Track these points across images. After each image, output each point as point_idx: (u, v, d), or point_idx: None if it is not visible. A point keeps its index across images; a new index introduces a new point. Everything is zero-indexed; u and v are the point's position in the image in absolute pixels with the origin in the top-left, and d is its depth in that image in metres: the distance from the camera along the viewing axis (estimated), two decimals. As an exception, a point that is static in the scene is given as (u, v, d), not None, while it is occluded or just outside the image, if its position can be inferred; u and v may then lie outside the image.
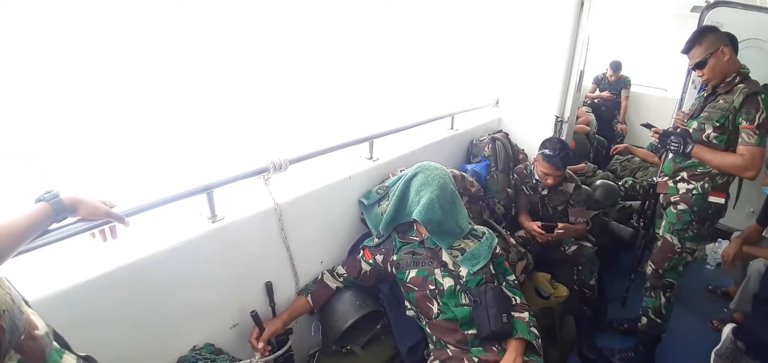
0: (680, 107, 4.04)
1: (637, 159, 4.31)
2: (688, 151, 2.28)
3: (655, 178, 2.70)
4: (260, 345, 1.69)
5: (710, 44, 2.19)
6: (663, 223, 2.50)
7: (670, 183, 2.43)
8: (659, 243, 2.52)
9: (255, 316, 1.70)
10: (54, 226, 1.10)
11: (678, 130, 2.39)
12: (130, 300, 1.37)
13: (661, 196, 2.53)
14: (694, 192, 2.33)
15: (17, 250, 0.98)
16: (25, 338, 0.58)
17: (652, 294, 2.57)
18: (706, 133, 2.25)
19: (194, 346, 1.58)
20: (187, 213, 1.59)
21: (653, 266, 2.54)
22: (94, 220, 1.18)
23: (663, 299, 2.54)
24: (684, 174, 2.38)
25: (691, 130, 2.32)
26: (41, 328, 0.63)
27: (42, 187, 1.10)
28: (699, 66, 2.24)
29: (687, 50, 2.28)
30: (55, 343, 0.70)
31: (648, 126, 2.59)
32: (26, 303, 0.67)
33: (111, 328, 1.33)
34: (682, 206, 2.37)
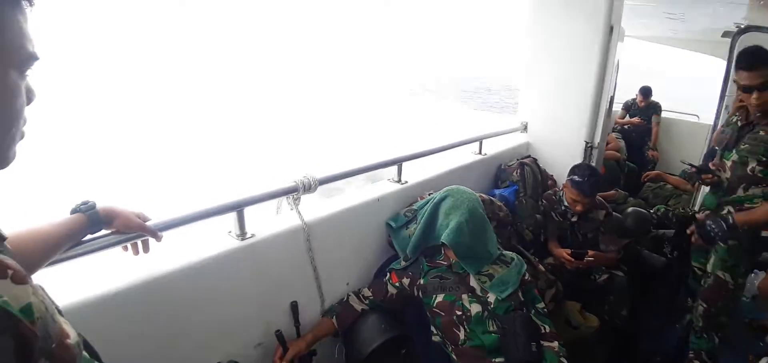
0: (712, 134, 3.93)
1: (669, 186, 4.20)
2: (730, 229, 2.12)
3: (689, 209, 2.60)
4: None
5: None
6: (712, 261, 2.38)
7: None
8: (711, 281, 2.39)
9: (279, 335, 1.69)
10: (88, 237, 1.12)
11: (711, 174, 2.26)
12: (157, 313, 1.38)
13: None
14: (745, 227, 2.20)
15: (51, 258, 1.00)
16: (57, 347, 0.58)
17: (705, 335, 2.46)
18: (750, 167, 2.15)
19: None
20: (216, 230, 1.61)
21: (705, 305, 2.42)
22: (128, 233, 1.19)
23: (716, 340, 2.43)
24: (730, 209, 2.23)
25: (730, 163, 2.22)
26: (73, 338, 0.63)
27: (79, 197, 1.12)
28: (760, 88, 2.02)
29: (751, 66, 2.04)
30: (85, 354, 0.70)
31: (691, 166, 2.49)
32: (59, 312, 0.68)
33: (137, 340, 1.34)
34: (732, 241, 2.26)
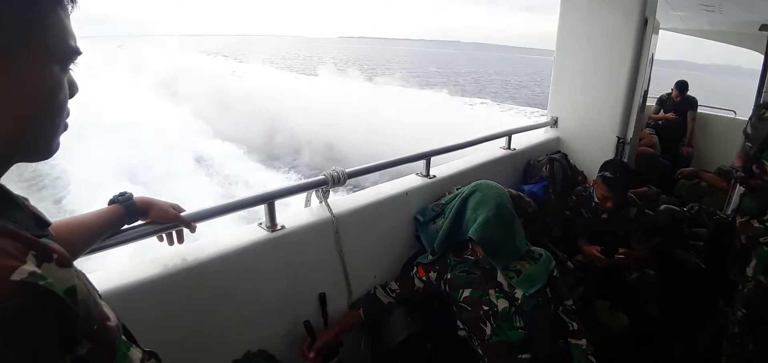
0: None
1: (704, 184, 4.07)
2: None
3: (723, 212, 2.49)
4: (311, 355, 1.71)
5: None
6: (753, 264, 2.26)
7: (756, 223, 2.22)
8: (751, 285, 2.27)
9: (308, 325, 1.72)
10: (125, 226, 1.17)
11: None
12: (188, 301, 1.42)
13: (743, 236, 2.30)
14: None
15: (90, 247, 1.04)
16: (98, 328, 0.61)
17: (738, 341, 2.39)
18: None
19: (248, 352, 1.61)
20: (247, 221, 1.64)
21: (744, 310, 2.32)
22: (163, 223, 1.23)
23: (751, 346, 2.36)
24: None
25: None
26: (113, 320, 0.67)
27: (116, 189, 1.17)
28: None
29: None
30: (123, 337, 0.74)
31: (736, 170, 2.41)
32: (99, 296, 0.71)
33: (170, 326, 1.37)
34: None
